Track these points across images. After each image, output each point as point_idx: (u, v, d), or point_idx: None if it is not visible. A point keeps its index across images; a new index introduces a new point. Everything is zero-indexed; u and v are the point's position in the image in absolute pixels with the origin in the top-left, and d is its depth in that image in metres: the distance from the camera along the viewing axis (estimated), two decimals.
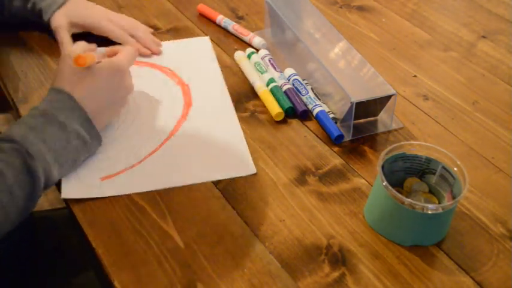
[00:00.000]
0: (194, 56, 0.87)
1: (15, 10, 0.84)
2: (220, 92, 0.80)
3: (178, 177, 0.67)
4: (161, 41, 0.89)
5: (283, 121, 0.76)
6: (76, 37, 0.82)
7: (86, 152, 0.65)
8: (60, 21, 0.82)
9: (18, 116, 0.76)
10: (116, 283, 0.56)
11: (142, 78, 0.80)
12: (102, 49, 0.74)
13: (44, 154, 0.59)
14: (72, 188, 0.64)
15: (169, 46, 0.88)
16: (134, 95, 0.76)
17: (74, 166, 0.64)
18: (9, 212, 0.56)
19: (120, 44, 0.84)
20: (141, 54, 0.84)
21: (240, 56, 0.85)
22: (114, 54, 0.72)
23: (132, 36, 0.85)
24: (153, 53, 0.85)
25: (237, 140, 0.72)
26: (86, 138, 0.64)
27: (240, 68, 0.84)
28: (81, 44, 0.69)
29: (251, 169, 0.68)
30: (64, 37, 0.82)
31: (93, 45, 0.72)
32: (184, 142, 0.71)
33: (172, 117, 0.75)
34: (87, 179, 0.65)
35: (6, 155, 0.57)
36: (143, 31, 0.87)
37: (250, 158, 0.70)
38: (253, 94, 0.80)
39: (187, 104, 0.77)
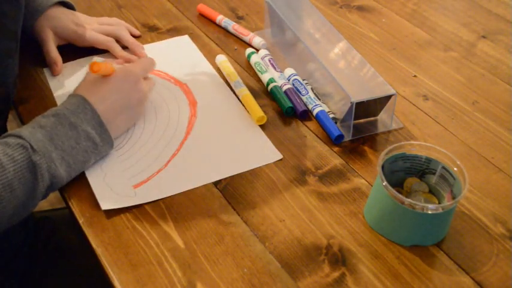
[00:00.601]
0: (180, 55, 0.87)
1: None
2: (219, 86, 0.80)
3: (206, 174, 0.67)
4: (160, 41, 0.89)
5: (283, 121, 0.76)
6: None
7: (96, 155, 0.65)
8: (45, 33, 0.81)
9: (18, 115, 0.76)
10: (116, 283, 0.56)
11: None
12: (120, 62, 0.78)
13: (50, 152, 0.59)
14: (109, 200, 0.63)
15: (152, 48, 0.88)
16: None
17: (83, 167, 0.65)
18: (6, 206, 0.56)
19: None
20: (127, 61, 0.81)
21: (220, 60, 0.84)
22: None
23: (118, 39, 0.85)
24: (139, 57, 0.84)
25: (253, 129, 0.73)
26: (97, 140, 0.64)
27: (238, 68, 0.84)
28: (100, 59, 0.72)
29: (277, 155, 0.69)
30: (51, 50, 0.81)
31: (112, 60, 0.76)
32: (202, 140, 0.72)
33: (183, 118, 0.75)
34: (119, 189, 0.64)
35: (11, 149, 0.57)
36: (127, 35, 0.86)
37: (272, 144, 0.71)
38: (253, 94, 0.80)
39: (193, 103, 0.77)
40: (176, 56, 0.86)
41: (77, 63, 0.83)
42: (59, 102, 0.76)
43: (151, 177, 0.66)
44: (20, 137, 0.59)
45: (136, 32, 0.90)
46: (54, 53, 0.81)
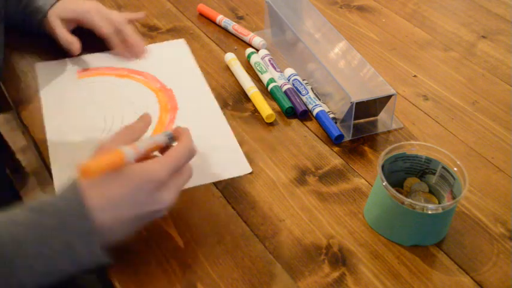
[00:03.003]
0: (172, 60, 0.86)
1: (9, 13, 0.82)
2: (204, 93, 0.80)
3: None
4: (160, 41, 0.89)
5: (283, 121, 0.76)
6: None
7: (76, 267, 0.51)
8: (54, 21, 0.81)
9: (17, 115, 0.76)
10: (116, 283, 0.56)
11: (120, 87, 0.80)
12: (148, 139, 0.58)
13: (12, 258, 0.48)
14: None
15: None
16: (121, 109, 0.76)
17: (59, 277, 0.51)
18: None
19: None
20: (126, 57, 0.82)
21: (229, 57, 0.85)
22: (157, 149, 0.59)
23: (120, 32, 0.83)
24: (136, 57, 0.84)
25: (229, 140, 0.72)
26: (79, 250, 0.50)
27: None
28: (122, 136, 0.56)
29: (246, 168, 0.68)
30: (62, 33, 0.81)
31: (137, 132, 0.58)
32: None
33: (159, 123, 0.74)
34: None
35: None
36: (131, 30, 0.84)
37: (244, 157, 0.70)
38: None
39: (174, 108, 0.77)
40: (168, 61, 0.86)
41: (70, 61, 0.84)
42: (43, 102, 0.75)
43: None
44: None
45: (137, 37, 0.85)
46: (65, 35, 0.81)
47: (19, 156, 1.67)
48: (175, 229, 0.61)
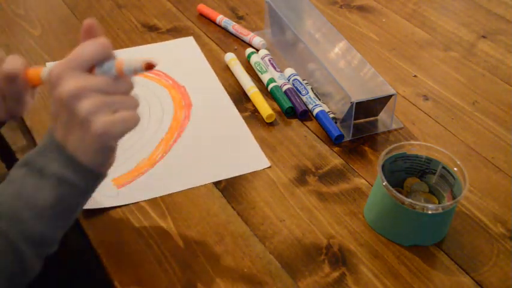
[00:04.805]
0: (182, 57, 0.87)
1: None
2: (216, 90, 0.80)
3: (193, 177, 0.67)
4: (161, 41, 0.89)
5: (283, 121, 0.76)
6: None
7: (81, 197, 0.51)
8: None
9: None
10: (116, 283, 0.56)
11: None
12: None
13: (19, 214, 0.48)
14: (90, 199, 0.62)
15: (156, 48, 0.88)
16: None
17: (73, 215, 0.52)
18: None
19: None
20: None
21: (229, 57, 0.85)
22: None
23: None
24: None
25: (245, 135, 0.73)
26: (73, 180, 0.49)
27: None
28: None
29: (264, 163, 0.69)
30: None
31: None
32: (191, 143, 0.71)
33: (166, 119, 0.75)
34: (103, 189, 0.63)
35: None
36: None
37: (262, 152, 0.70)
38: None
39: (188, 105, 0.77)
40: (178, 58, 0.86)
41: None
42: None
43: (136, 179, 0.66)
44: None
45: None
46: None
47: (19, 156, 1.67)
48: (175, 229, 0.61)
